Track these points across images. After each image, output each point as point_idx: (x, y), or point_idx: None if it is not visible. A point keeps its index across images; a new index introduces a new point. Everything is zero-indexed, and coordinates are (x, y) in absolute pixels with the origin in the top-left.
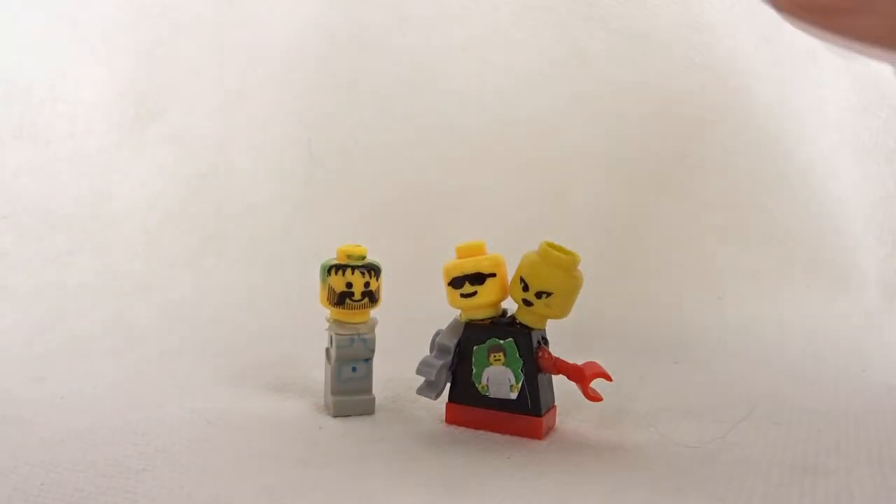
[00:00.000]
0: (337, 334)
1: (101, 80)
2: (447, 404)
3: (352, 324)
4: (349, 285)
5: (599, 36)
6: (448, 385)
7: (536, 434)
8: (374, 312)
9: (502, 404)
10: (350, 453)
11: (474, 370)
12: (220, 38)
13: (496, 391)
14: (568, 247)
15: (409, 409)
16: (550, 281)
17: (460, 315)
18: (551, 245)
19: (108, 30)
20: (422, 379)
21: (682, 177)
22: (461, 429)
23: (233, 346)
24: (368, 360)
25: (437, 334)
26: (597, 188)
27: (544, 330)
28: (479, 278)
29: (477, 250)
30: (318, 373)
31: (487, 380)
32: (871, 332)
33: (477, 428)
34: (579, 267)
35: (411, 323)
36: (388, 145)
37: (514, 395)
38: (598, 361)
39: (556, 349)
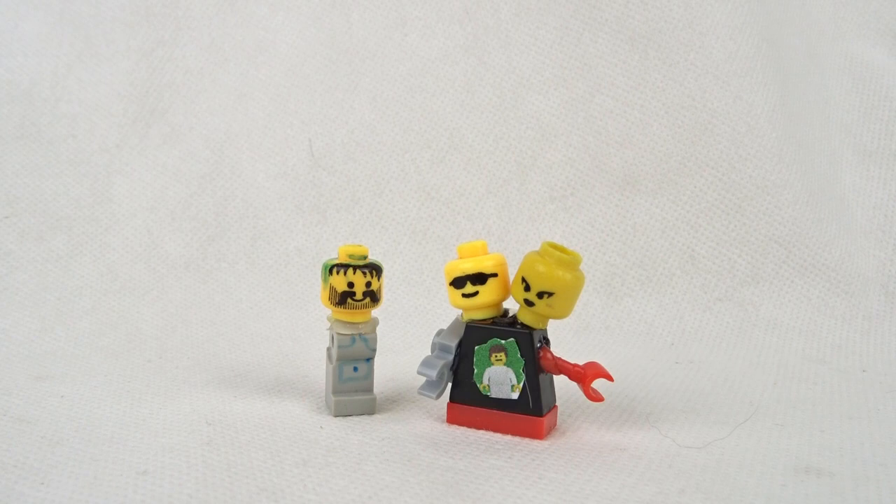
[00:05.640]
0: (338, 334)
1: (103, 80)
2: (448, 404)
3: (353, 323)
4: (351, 285)
5: (601, 38)
6: (449, 385)
7: (538, 434)
8: (375, 312)
9: (503, 404)
10: (351, 453)
11: (476, 370)
12: (222, 39)
13: (497, 391)
14: (569, 247)
15: (410, 409)
16: (552, 281)
17: (462, 315)
18: (553, 245)
19: (109, 30)
20: (423, 379)
21: (683, 180)
22: (462, 429)
23: (233, 346)
24: (370, 359)
25: (438, 334)
26: (597, 190)
27: (546, 330)
28: (480, 278)
29: (479, 250)
30: (318, 373)
31: (489, 380)
32: (871, 335)
33: (478, 428)
34: (580, 267)
35: (412, 323)
36: (389, 146)
37: (515, 396)
38: (598, 361)
39: (557, 349)
